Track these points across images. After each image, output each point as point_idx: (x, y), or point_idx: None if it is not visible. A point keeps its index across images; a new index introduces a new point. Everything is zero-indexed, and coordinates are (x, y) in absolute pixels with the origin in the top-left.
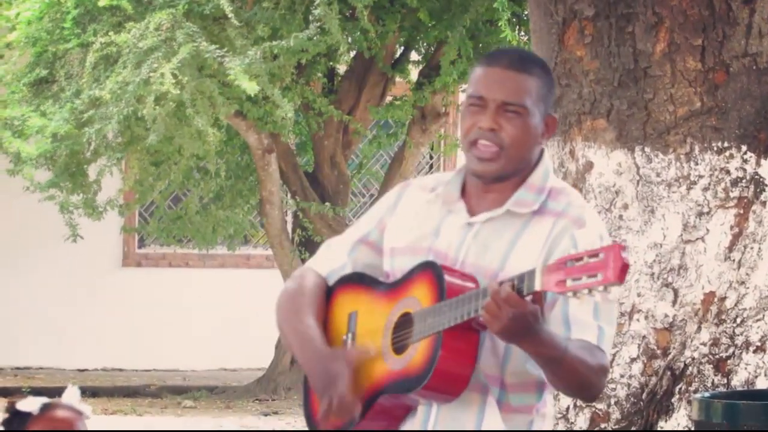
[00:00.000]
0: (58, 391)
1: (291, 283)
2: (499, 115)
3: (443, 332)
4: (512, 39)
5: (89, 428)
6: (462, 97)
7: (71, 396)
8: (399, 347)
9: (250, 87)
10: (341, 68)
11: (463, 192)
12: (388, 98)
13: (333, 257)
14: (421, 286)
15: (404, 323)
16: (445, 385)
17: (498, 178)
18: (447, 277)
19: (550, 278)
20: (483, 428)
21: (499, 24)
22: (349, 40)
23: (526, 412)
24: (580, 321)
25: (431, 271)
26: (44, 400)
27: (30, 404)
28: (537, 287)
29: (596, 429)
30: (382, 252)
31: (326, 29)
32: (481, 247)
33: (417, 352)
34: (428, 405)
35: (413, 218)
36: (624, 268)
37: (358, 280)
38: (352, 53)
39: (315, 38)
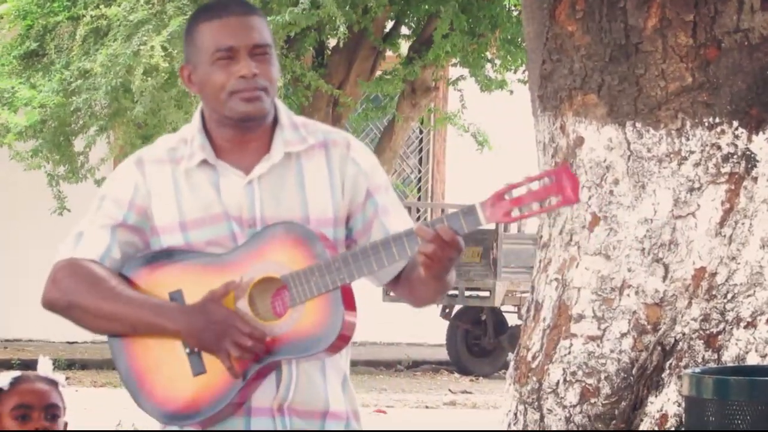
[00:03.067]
0: None
1: (68, 275)
2: (252, 59)
3: (341, 287)
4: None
5: (66, 397)
6: (454, 72)
7: (44, 366)
8: (274, 313)
9: None
10: (331, 42)
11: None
12: (379, 72)
13: (93, 243)
14: (282, 249)
15: (269, 289)
16: (341, 342)
17: (262, 119)
18: (317, 237)
19: (494, 211)
20: (328, 370)
21: None
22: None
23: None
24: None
25: (291, 231)
26: (15, 373)
27: (0, 380)
28: (482, 222)
29: (578, 430)
30: (144, 234)
31: (320, 2)
32: (273, 199)
33: (304, 314)
34: (289, 363)
35: (183, 192)
36: (578, 185)
37: (163, 258)
38: (345, 26)
39: (309, 11)
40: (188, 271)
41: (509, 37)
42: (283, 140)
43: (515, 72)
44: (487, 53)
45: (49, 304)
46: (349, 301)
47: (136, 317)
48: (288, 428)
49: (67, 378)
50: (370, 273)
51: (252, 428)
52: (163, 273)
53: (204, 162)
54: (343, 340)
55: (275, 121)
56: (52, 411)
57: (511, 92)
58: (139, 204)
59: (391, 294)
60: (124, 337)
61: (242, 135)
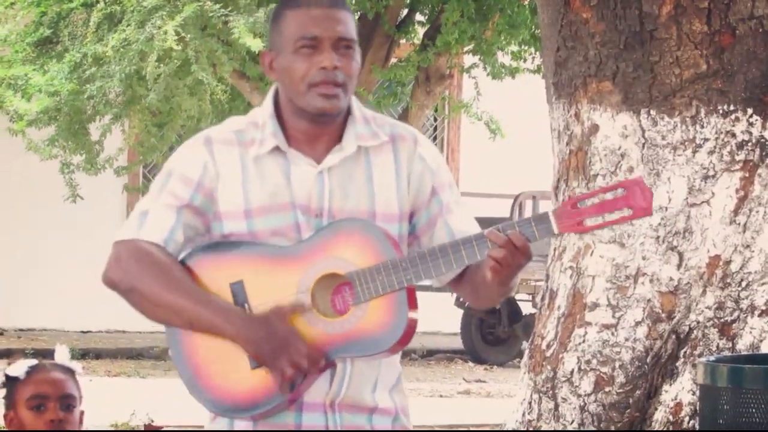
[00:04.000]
0: None
1: (133, 258)
2: (335, 51)
3: (406, 287)
4: None
5: (81, 386)
6: (468, 60)
7: (61, 355)
8: (334, 309)
9: (255, 44)
10: None
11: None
12: (393, 60)
13: (158, 224)
14: (349, 245)
15: (340, 284)
16: (403, 343)
17: (338, 116)
18: (384, 236)
19: (566, 222)
20: (383, 370)
21: None
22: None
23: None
24: (465, 231)
25: (361, 228)
26: (32, 362)
27: (17, 369)
28: (555, 231)
29: (583, 430)
30: (206, 217)
31: None
32: (342, 191)
33: (368, 313)
34: (344, 360)
35: (250, 178)
36: (651, 198)
37: (226, 247)
38: (357, 15)
39: None
40: (251, 261)
41: (510, 16)
42: (355, 133)
43: (525, 61)
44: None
45: (111, 284)
46: (412, 301)
47: (196, 314)
48: (338, 424)
49: (82, 367)
50: (437, 275)
51: (303, 423)
52: (226, 262)
53: (275, 149)
54: (404, 341)
55: (347, 112)
56: (68, 401)
57: (517, 74)
58: (206, 186)
59: None
60: (181, 329)
61: (316, 127)
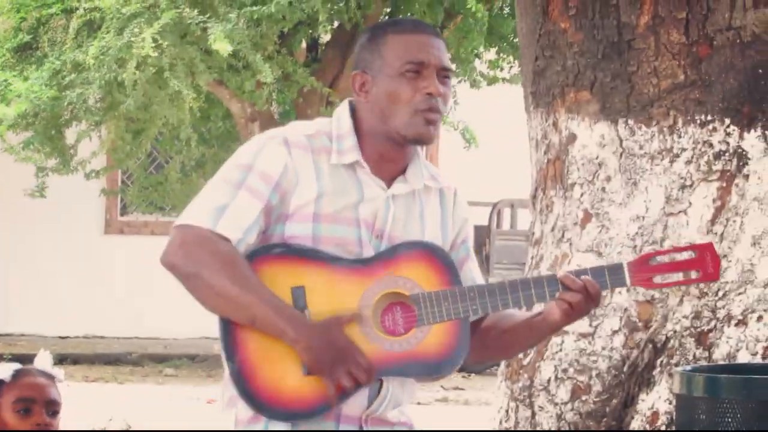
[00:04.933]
0: None
1: (202, 246)
2: (438, 80)
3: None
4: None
5: (63, 393)
6: None
7: (43, 361)
8: (383, 327)
9: (223, 48)
10: (326, 37)
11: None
12: None
13: (236, 222)
14: (418, 268)
15: (392, 303)
16: (454, 371)
17: (428, 144)
18: (453, 264)
19: (639, 276)
20: (406, 395)
21: None
22: (332, 9)
23: None
24: (480, 280)
25: (432, 253)
26: (16, 366)
27: (2, 372)
28: (628, 284)
29: (565, 430)
30: (270, 219)
31: None
32: (401, 220)
33: (430, 335)
34: (389, 379)
35: (325, 185)
36: (719, 264)
37: (292, 251)
38: (336, 23)
39: (294, 4)
40: (315, 268)
41: (471, 18)
42: (420, 171)
43: (502, 70)
44: (478, 51)
45: (170, 266)
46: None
47: (260, 311)
48: None
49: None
50: (504, 308)
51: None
52: (290, 265)
53: (353, 164)
54: (455, 369)
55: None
56: (53, 407)
57: (495, 83)
58: (284, 186)
59: None
60: (238, 324)
61: (394, 151)
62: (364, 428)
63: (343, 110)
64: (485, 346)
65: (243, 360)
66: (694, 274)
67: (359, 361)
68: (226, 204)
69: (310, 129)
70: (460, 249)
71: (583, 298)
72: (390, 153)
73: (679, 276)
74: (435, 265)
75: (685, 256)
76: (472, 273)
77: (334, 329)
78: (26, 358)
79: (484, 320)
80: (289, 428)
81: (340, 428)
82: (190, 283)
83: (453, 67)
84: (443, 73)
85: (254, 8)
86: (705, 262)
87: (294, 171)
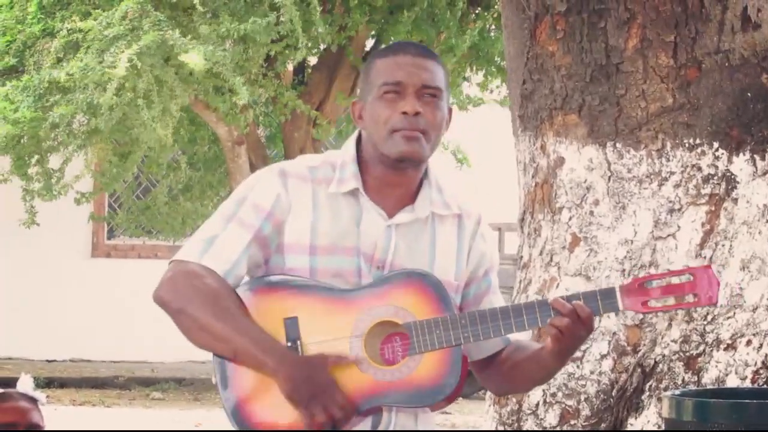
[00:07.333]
0: None
1: (188, 281)
2: (418, 99)
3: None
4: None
5: (46, 415)
6: None
7: (25, 384)
8: (382, 358)
9: (192, 61)
10: (313, 60)
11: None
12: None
13: (224, 254)
14: (410, 296)
15: (382, 333)
16: (449, 400)
17: (418, 163)
18: (446, 292)
19: (632, 300)
20: (419, 427)
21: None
22: (319, 30)
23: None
24: None
25: (423, 281)
26: None
27: None
28: (620, 308)
29: (564, 429)
30: (269, 250)
31: (284, 19)
32: (406, 249)
33: (422, 364)
34: (390, 410)
35: (321, 216)
36: (718, 287)
37: (284, 282)
38: (323, 46)
39: (270, 26)
40: (308, 299)
41: (453, 38)
42: (429, 198)
43: (492, 92)
44: (466, 72)
45: (161, 302)
46: (465, 360)
47: (240, 344)
48: None
49: (47, 396)
50: (496, 335)
51: None
52: (283, 296)
53: (353, 192)
54: (451, 399)
55: (424, 175)
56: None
57: (481, 104)
58: (277, 216)
59: None
60: (224, 358)
61: (392, 176)
62: None
63: (350, 139)
64: (503, 378)
65: (237, 395)
66: (690, 298)
67: (335, 397)
68: (216, 235)
69: (315, 161)
70: (482, 281)
71: (572, 322)
72: (389, 177)
73: (675, 300)
74: (427, 293)
75: (683, 279)
76: (493, 306)
77: (318, 366)
78: (13, 382)
79: (502, 352)
80: None
81: None
82: (177, 320)
83: (440, 85)
84: (427, 92)
85: (231, 26)
86: (702, 286)
87: (287, 200)
